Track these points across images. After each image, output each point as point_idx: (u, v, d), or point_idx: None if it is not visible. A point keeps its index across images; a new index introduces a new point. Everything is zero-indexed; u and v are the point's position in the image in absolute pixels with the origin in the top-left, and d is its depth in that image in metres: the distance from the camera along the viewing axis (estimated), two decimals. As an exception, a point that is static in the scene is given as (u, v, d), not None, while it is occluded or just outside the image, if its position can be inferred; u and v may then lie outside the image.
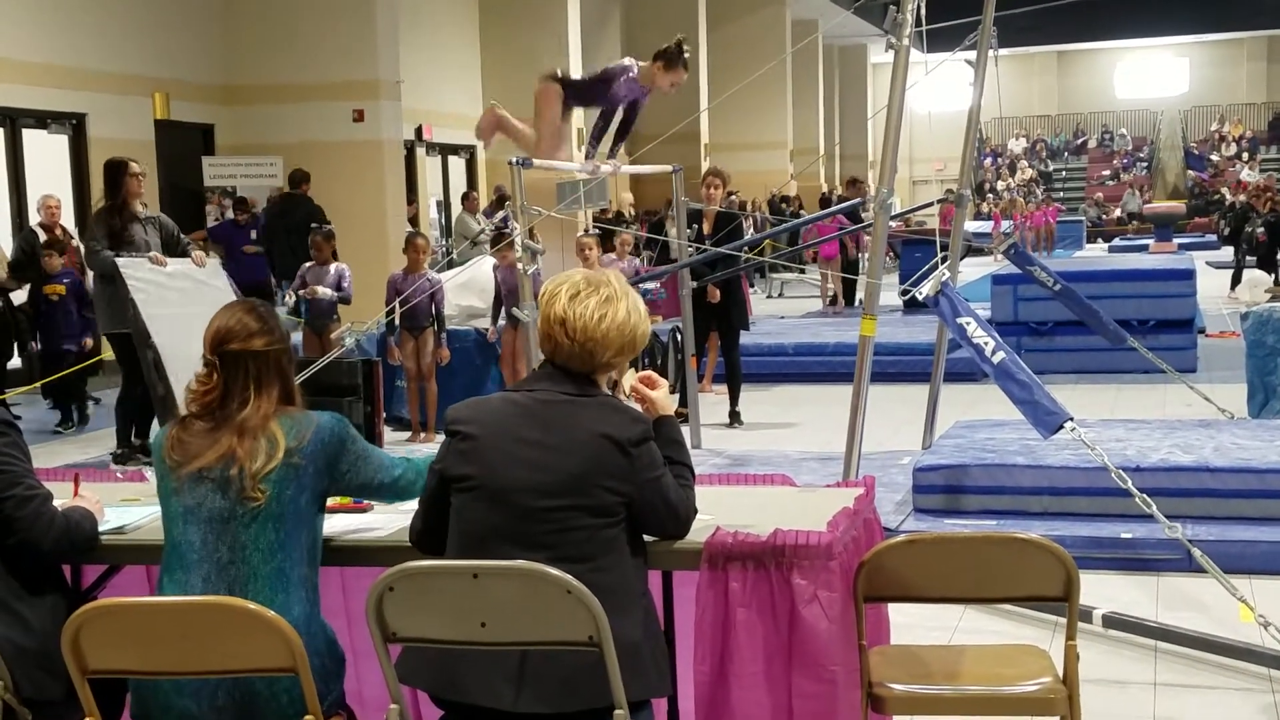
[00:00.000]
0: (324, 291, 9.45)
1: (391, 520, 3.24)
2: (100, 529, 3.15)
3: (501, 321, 9.43)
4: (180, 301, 7.89)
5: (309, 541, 2.90)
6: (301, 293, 9.65)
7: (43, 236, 10.90)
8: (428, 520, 2.89)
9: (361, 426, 8.64)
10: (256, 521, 2.82)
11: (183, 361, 7.47)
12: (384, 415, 9.07)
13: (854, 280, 16.67)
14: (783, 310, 17.49)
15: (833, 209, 14.19)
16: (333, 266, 9.62)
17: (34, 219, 11.47)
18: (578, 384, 2.81)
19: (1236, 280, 17.26)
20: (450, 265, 12.09)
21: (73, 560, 3.27)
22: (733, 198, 19.27)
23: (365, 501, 3.53)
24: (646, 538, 2.86)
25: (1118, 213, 33.66)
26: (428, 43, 17.61)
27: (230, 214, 13.47)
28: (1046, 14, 27.40)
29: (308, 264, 9.77)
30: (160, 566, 2.92)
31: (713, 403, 9.93)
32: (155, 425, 8.23)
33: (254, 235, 13.25)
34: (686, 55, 6.75)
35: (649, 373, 3.06)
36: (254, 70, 14.48)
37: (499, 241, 9.51)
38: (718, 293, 9.24)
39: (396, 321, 8.92)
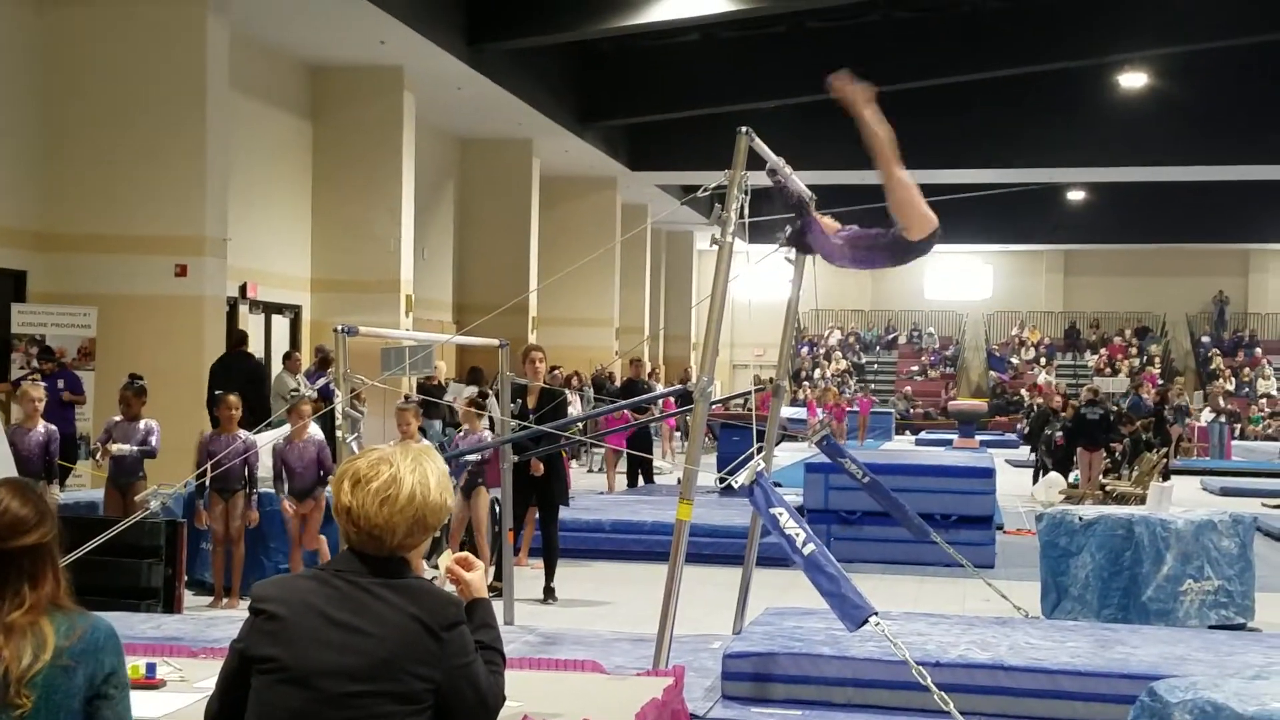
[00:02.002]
0: (122, 449, 9.18)
1: (184, 699, 3.13)
2: None
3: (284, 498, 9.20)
4: None
5: None
6: (99, 456, 9.34)
7: None
8: (224, 701, 2.78)
9: (160, 589, 8.33)
10: None
11: None
12: (185, 578, 8.76)
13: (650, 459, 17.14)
14: (601, 485, 17.56)
15: (663, 392, 14.48)
16: (142, 422, 9.37)
17: None
18: (381, 566, 2.76)
19: (1036, 479, 18.05)
20: (269, 426, 11.85)
21: None
22: (555, 373, 19.51)
23: (157, 677, 3.40)
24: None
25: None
26: (258, 202, 17.54)
27: (35, 363, 13.02)
28: (863, 215, 28.81)
29: (116, 418, 9.49)
30: None
31: (528, 577, 9.85)
32: None
33: (61, 385, 12.81)
34: None
35: (465, 554, 3.05)
36: (73, 218, 14.16)
37: (318, 408, 9.41)
38: (541, 466, 9.27)
39: (207, 483, 8.68)
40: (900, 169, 6.22)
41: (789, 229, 6.63)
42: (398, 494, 2.75)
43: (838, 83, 6.25)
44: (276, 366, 17.38)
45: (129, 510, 8.46)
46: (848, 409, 30.34)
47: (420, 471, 2.79)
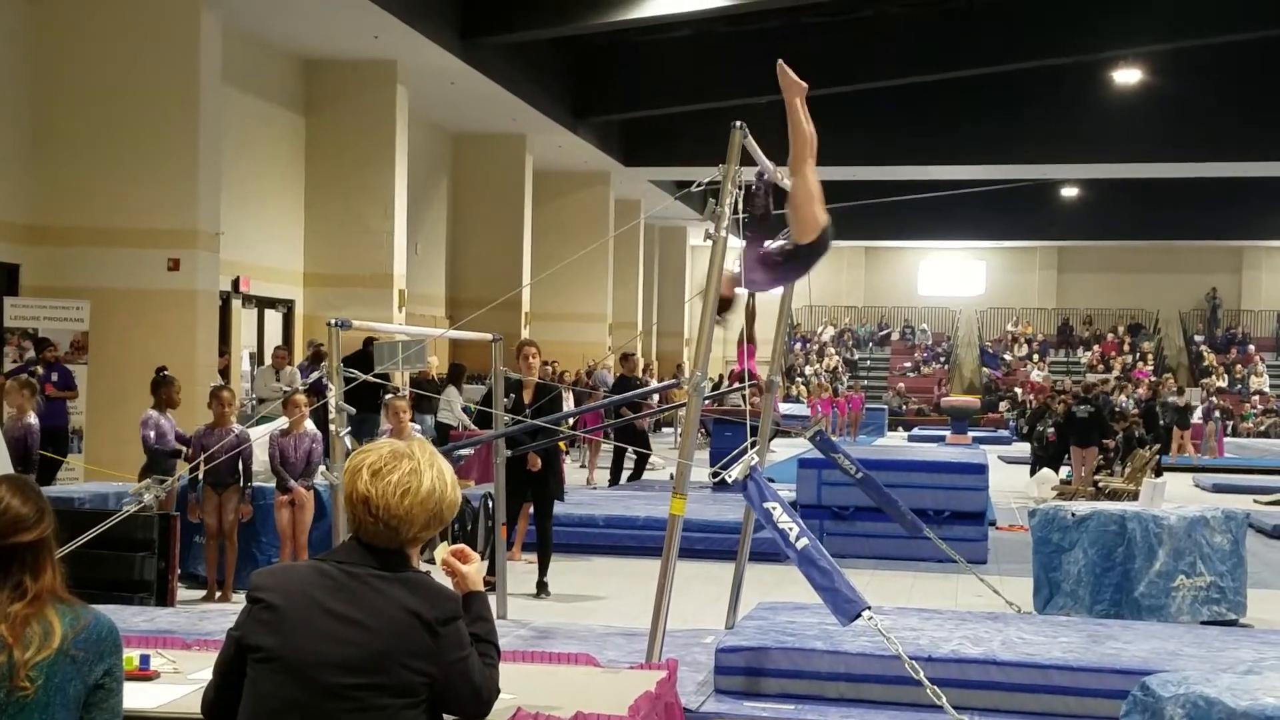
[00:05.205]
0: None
1: (178, 690, 3.13)
2: None
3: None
4: None
5: None
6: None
7: None
8: (220, 690, 2.79)
9: (153, 583, 8.30)
10: (22, 712, 2.63)
11: None
12: (178, 572, 8.74)
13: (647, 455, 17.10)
14: (594, 480, 17.54)
15: (656, 386, 14.46)
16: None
17: None
18: (387, 559, 2.78)
19: (1033, 472, 18.08)
20: (261, 420, 11.85)
21: None
22: (547, 368, 19.48)
23: (151, 668, 3.40)
24: (446, 717, 2.82)
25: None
26: (251, 196, 17.52)
27: (31, 353, 13.02)
28: (857, 212, 28.94)
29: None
30: None
31: (521, 572, 9.85)
32: None
33: (55, 378, 12.79)
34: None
35: (462, 546, 3.05)
36: (66, 211, 14.14)
37: (313, 402, 9.40)
38: (539, 461, 9.27)
39: (200, 477, 8.67)
40: (811, 171, 6.18)
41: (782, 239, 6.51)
42: (418, 486, 2.77)
43: (780, 70, 6.25)
44: (268, 361, 17.40)
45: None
46: (845, 403, 30.34)
47: (438, 467, 2.83)
